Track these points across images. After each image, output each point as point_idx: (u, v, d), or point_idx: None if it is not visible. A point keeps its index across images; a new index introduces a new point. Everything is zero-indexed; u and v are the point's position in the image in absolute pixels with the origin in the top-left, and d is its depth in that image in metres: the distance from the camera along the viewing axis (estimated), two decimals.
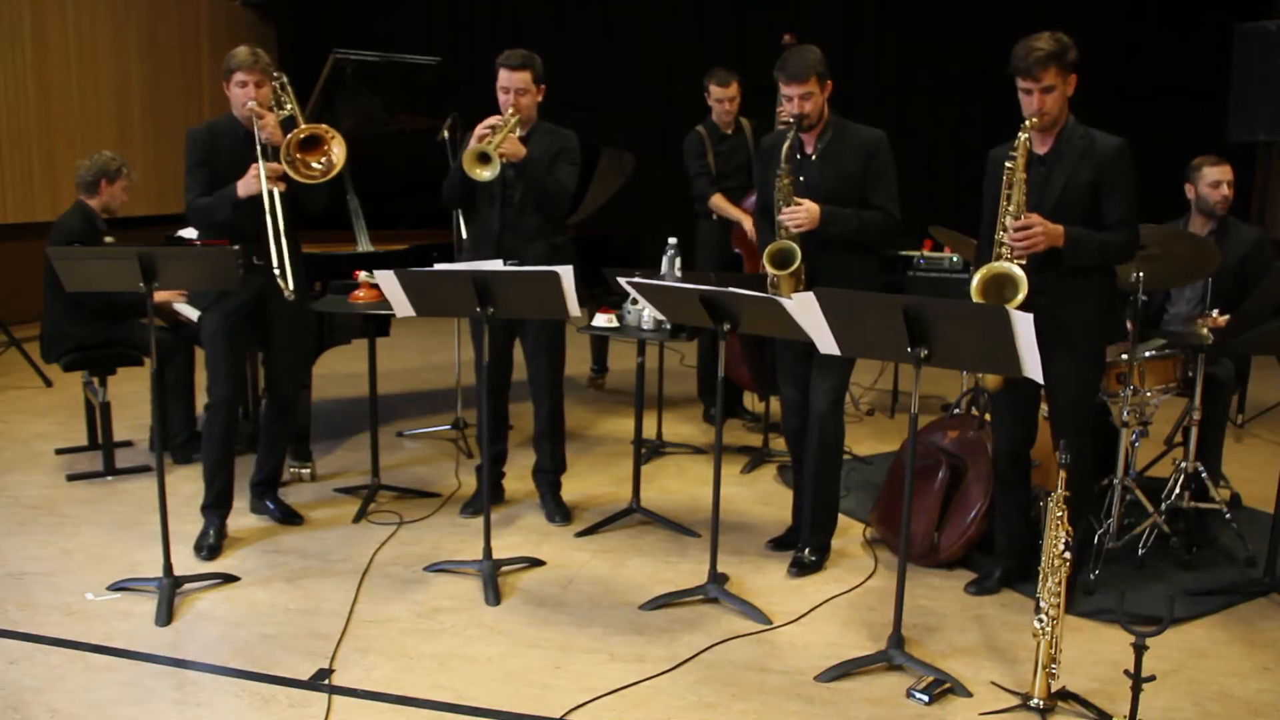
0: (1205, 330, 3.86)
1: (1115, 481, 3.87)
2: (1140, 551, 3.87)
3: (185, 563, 3.80)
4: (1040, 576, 2.93)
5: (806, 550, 3.90)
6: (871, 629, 3.42)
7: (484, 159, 3.82)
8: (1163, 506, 3.94)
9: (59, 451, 5.11)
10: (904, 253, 6.12)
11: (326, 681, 3.05)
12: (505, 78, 3.99)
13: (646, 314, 4.20)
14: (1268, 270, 3.92)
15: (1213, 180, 4.35)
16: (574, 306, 3.48)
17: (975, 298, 3.27)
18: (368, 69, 5.29)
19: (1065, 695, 2.96)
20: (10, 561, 3.85)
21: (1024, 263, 3.26)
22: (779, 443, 4.79)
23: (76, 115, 8.44)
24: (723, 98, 5.47)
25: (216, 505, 4.00)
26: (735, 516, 4.42)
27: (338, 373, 6.45)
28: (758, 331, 3.51)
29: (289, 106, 4.00)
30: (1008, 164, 3.31)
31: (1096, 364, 3.51)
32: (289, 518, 4.25)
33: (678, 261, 4.33)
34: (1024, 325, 2.80)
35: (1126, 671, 2.67)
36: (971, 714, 2.94)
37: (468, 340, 4.52)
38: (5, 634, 3.30)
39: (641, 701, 2.99)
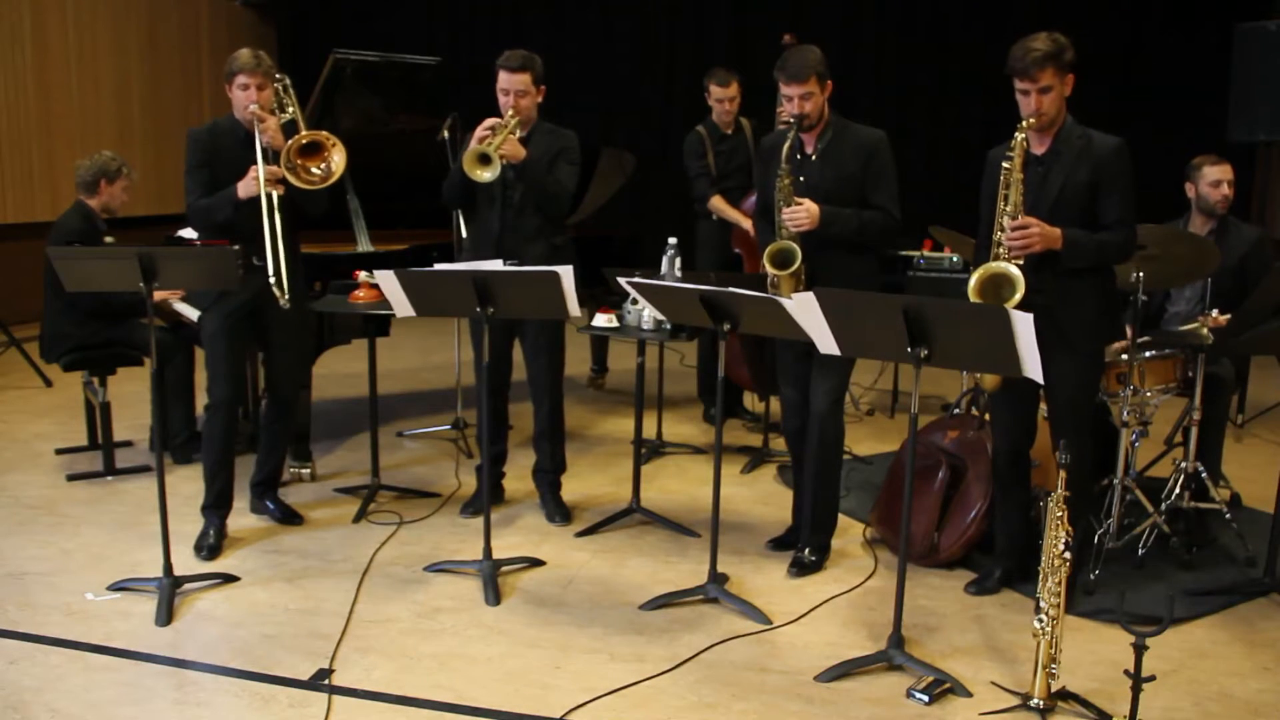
0: (1205, 330, 3.86)
1: (1115, 481, 3.87)
2: (1140, 551, 3.87)
3: (185, 563, 3.80)
4: (1040, 576, 2.93)
5: (806, 550, 3.91)
6: (871, 629, 3.42)
7: (484, 160, 3.82)
8: (1163, 506, 3.94)
9: (59, 451, 5.11)
10: (904, 253, 6.12)
11: (326, 681, 3.05)
12: (505, 79, 3.99)
13: (646, 314, 4.20)
14: (1268, 270, 3.92)
15: (1213, 179, 4.35)
16: (574, 306, 3.48)
17: (973, 298, 3.27)
18: (368, 69, 5.29)
19: (1065, 695, 2.96)
20: (10, 561, 3.85)
21: (1021, 263, 3.26)
22: (779, 443, 4.79)
23: (76, 115, 8.44)
24: (723, 98, 5.47)
25: (216, 505, 4.00)
26: (735, 516, 4.42)
27: (338, 373, 6.45)
28: (758, 331, 3.51)
29: (290, 110, 4.00)
30: (1005, 164, 3.31)
31: (1095, 364, 3.51)
32: (289, 518, 4.25)
33: (678, 261, 4.33)
34: (1024, 325, 2.80)
35: (1126, 671, 2.67)
36: (971, 714, 2.94)
37: (468, 340, 4.52)
38: (5, 634, 3.30)
39: (641, 701, 2.99)
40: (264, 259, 3.77)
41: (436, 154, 4.97)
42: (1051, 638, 2.90)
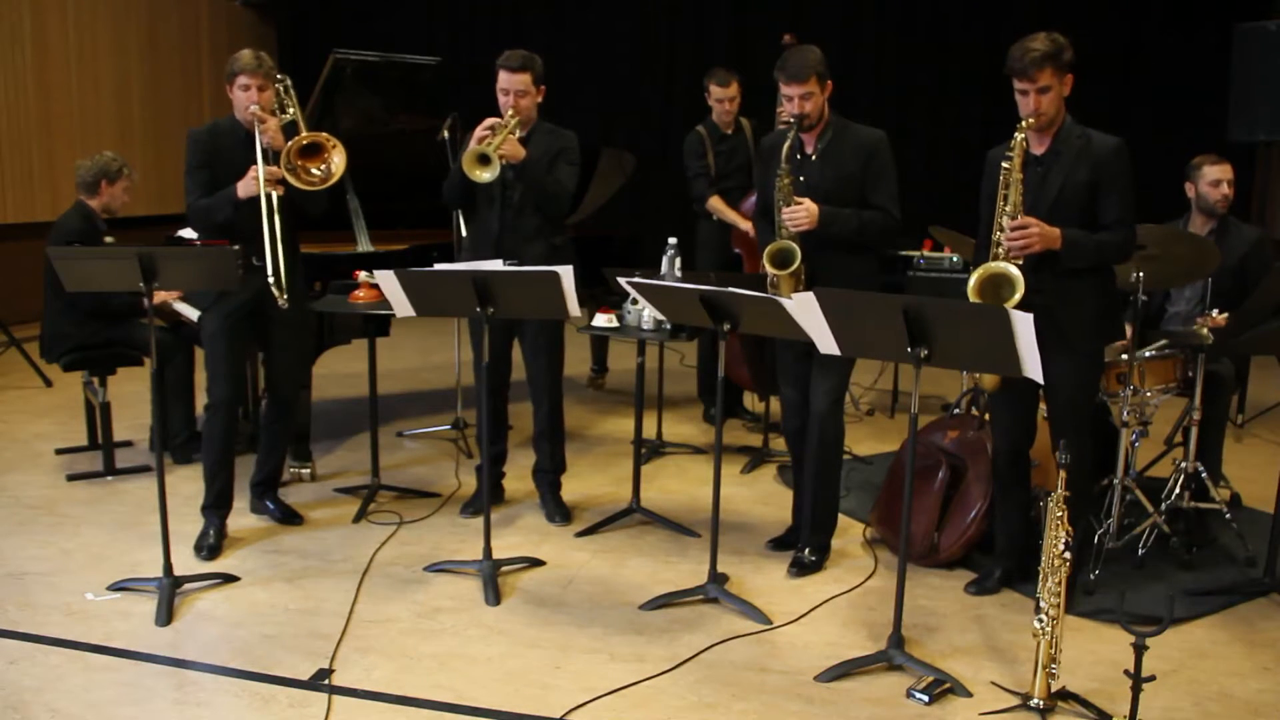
0: (1205, 330, 3.86)
1: (1115, 481, 3.87)
2: (1140, 551, 3.87)
3: (185, 563, 3.80)
4: (1040, 576, 2.93)
5: (806, 550, 3.91)
6: (871, 629, 3.42)
7: (484, 160, 3.82)
8: (1163, 506, 3.94)
9: (59, 451, 5.11)
10: (904, 253, 6.12)
11: (326, 681, 3.05)
12: (505, 79, 3.99)
13: (646, 314, 4.20)
14: (1268, 270, 3.92)
15: (1213, 179, 4.35)
16: (574, 306, 3.48)
17: (972, 298, 3.28)
18: (368, 69, 5.29)
19: (1065, 695, 2.96)
20: (10, 561, 3.85)
21: (1020, 263, 3.26)
22: (779, 443, 4.79)
23: (76, 115, 8.44)
24: (723, 98, 5.47)
25: (216, 505, 4.00)
26: (735, 516, 4.42)
27: (338, 373, 6.45)
28: (758, 331, 3.51)
29: (291, 111, 4.00)
30: (1004, 164, 3.32)
31: (1095, 364, 3.51)
32: (289, 518, 4.25)
33: (678, 261, 4.33)
34: (1024, 325, 2.80)
35: (1126, 671, 2.67)
36: (971, 714, 2.94)
37: (468, 340, 4.52)
38: (5, 634, 3.30)
39: (641, 701, 2.99)
40: (264, 259, 3.77)
41: (436, 154, 4.98)
42: (1051, 638, 2.90)
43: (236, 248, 3.48)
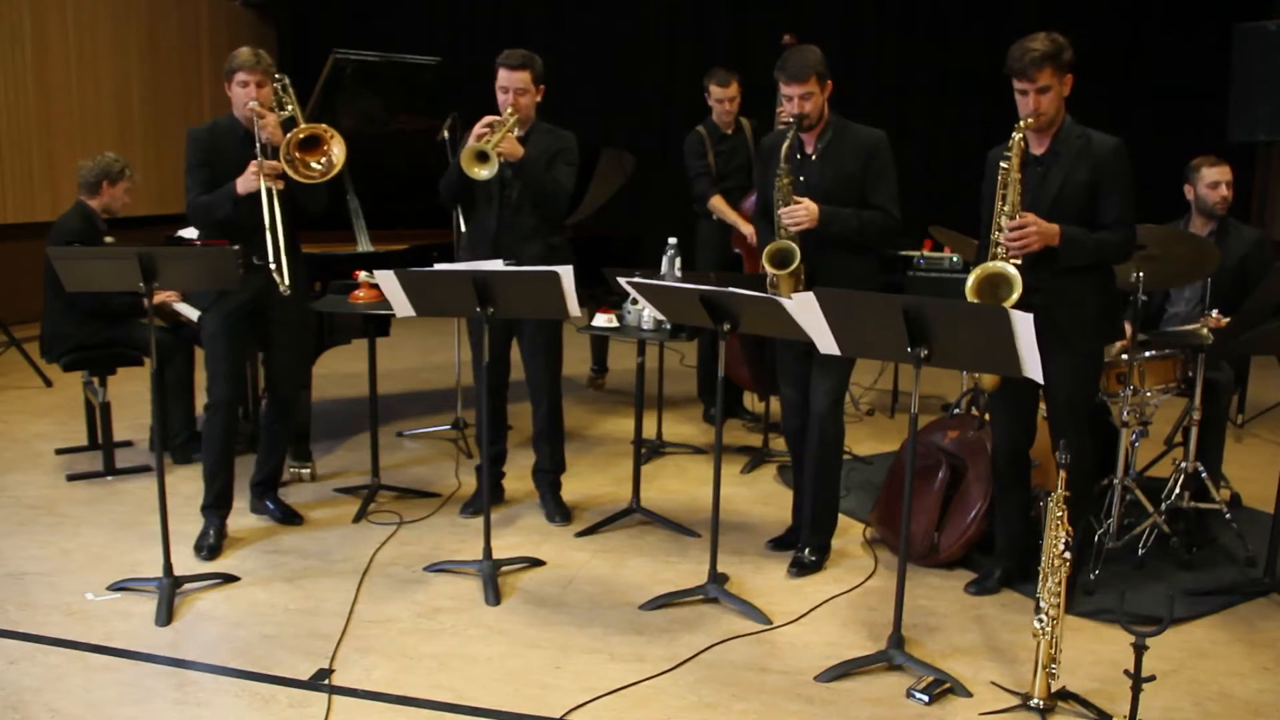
0: (1205, 330, 3.86)
1: (1115, 481, 3.87)
2: (1140, 551, 3.87)
3: (185, 563, 3.80)
4: (1040, 576, 2.93)
5: (806, 550, 3.91)
6: (871, 629, 3.42)
7: (482, 157, 3.82)
8: (1163, 506, 3.94)
9: (59, 451, 5.11)
10: (904, 253, 6.12)
11: (326, 681, 3.05)
12: (504, 77, 3.99)
13: (646, 314, 4.20)
14: (1267, 270, 3.92)
15: (1211, 181, 4.35)
16: (574, 306, 3.48)
17: (970, 297, 3.28)
18: (368, 69, 5.29)
19: (1065, 695, 2.96)
20: (10, 561, 3.85)
21: (1019, 262, 3.26)
22: (779, 443, 4.79)
23: (76, 115, 8.44)
24: (723, 98, 5.47)
25: (216, 505, 4.00)
26: (735, 516, 4.42)
27: (338, 373, 6.45)
28: (758, 331, 3.51)
29: (290, 107, 4.00)
30: (1002, 164, 3.32)
31: (1094, 364, 3.51)
32: (289, 518, 4.25)
33: (678, 261, 4.33)
34: (1024, 325, 2.80)
35: (1126, 671, 2.67)
36: (971, 714, 2.94)
37: (468, 340, 4.52)
38: (5, 634, 3.30)
39: (641, 701, 2.99)
40: (264, 258, 3.77)
41: (436, 154, 4.97)
42: (1051, 638, 2.90)
43: (236, 247, 3.48)
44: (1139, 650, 2.63)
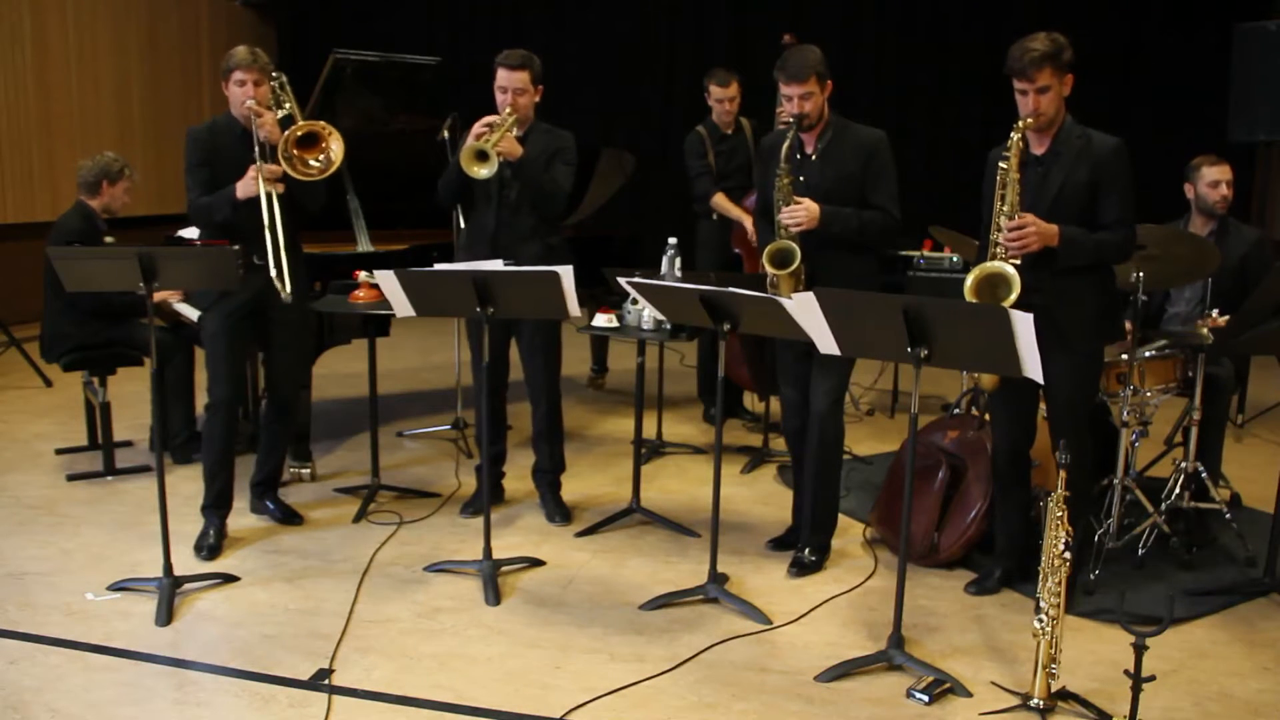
0: (1205, 330, 3.86)
1: (1115, 481, 3.87)
2: (1140, 551, 3.87)
3: (185, 563, 3.80)
4: (1040, 576, 2.93)
5: (806, 550, 3.90)
6: (871, 629, 3.42)
7: (482, 157, 3.82)
8: (1163, 506, 3.94)
9: (59, 451, 5.11)
10: (904, 253, 6.12)
11: (326, 681, 3.05)
12: (503, 77, 4.00)
13: (646, 314, 4.20)
14: (1268, 270, 3.92)
15: (1212, 180, 4.35)
16: (574, 306, 3.48)
17: (969, 297, 3.27)
18: (368, 69, 5.29)
19: (1065, 695, 2.96)
20: (10, 561, 3.85)
21: (1018, 262, 3.26)
22: (779, 443, 4.79)
23: (76, 115, 8.44)
24: (723, 98, 5.47)
25: (216, 505, 4.00)
26: (735, 516, 4.42)
27: (338, 373, 6.45)
28: (758, 331, 3.51)
29: (288, 105, 3.99)
30: (1001, 164, 3.32)
31: (1094, 364, 3.51)
32: (289, 518, 4.25)
33: (678, 261, 4.33)
34: (1024, 325, 2.80)
35: (1126, 671, 2.67)
36: (971, 714, 2.94)
37: (467, 341, 4.52)
38: (5, 634, 3.30)
39: (641, 701, 2.99)
40: (265, 258, 3.77)
41: (436, 154, 4.97)
42: (1051, 638, 2.90)
43: (237, 247, 3.48)
44: (1139, 650, 2.63)
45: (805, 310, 3.11)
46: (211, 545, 3.92)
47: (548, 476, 4.42)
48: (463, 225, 4.72)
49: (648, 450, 5.19)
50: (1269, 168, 8.67)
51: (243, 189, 3.75)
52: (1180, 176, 4.48)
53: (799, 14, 9.18)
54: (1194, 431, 3.97)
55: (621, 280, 3.65)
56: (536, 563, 3.90)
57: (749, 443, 5.43)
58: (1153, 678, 2.70)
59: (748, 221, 5.26)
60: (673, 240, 4.34)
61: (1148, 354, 3.87)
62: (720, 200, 5.45)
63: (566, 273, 3.39)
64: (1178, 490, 3.97)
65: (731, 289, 3.36)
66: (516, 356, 4.34)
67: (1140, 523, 3.93)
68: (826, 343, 3.16)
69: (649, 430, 5.25)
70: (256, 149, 3.74)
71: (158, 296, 4.68)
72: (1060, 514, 2.95)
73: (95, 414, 4.96)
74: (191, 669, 3.13)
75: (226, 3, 10.10)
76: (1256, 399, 5.93)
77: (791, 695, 3.02)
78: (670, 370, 6.62)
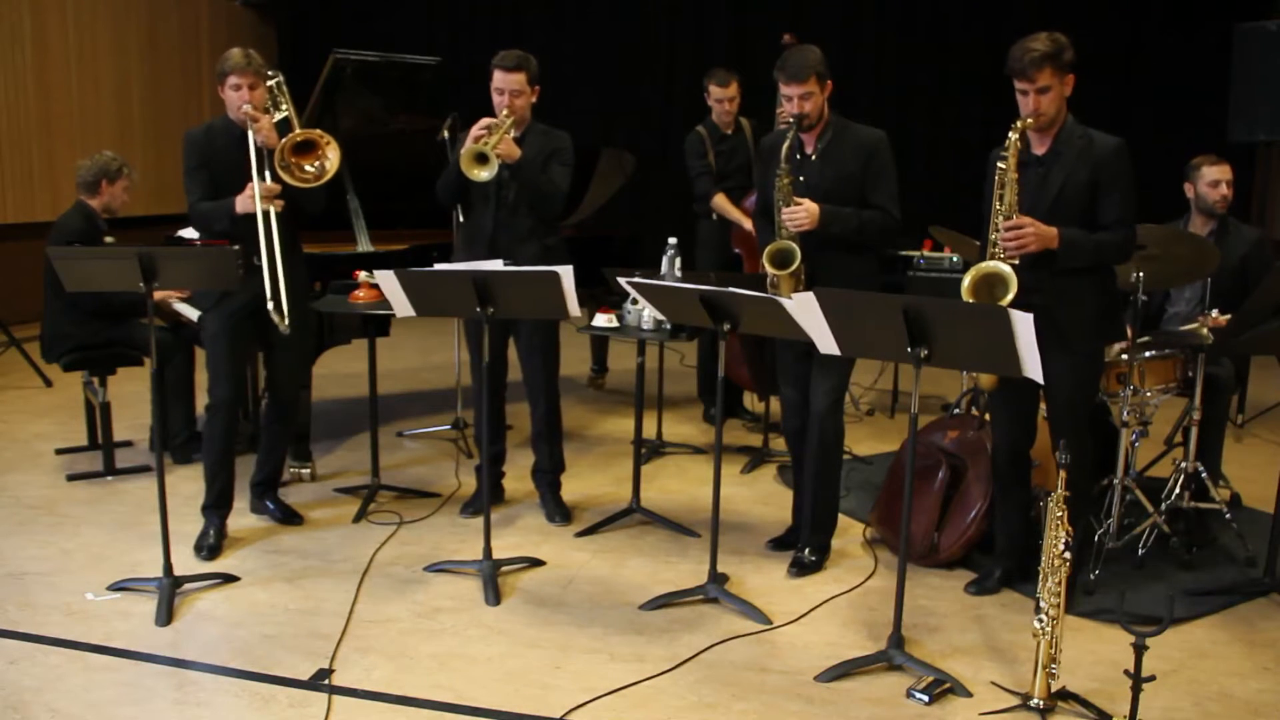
0: (1205, 330, 3.86)
1: (1115, 481, 3.87)
2: (1140, 551, 3.87)
3: (185, 563, 3.80)
4: (1040, 576, 2.93)
5: (806, 550, 3.90)
6: (871, 629, 3.42)
7: (481, 159, 3.82)
8: (1163, 506, 3.94)
9: (59, 451, 5.11)
10: (904, 253, 6.12)
11: (326, 681, 3.05)
12: (500, 79, 3.99)
13: (646, 314, 4.20)
14: (1268, 270, 3.92)
15: (1212, 180, 4.35)
16: (574, 306, 3.48)
17: (966, 297, 3.27)
18: (368, 69, 5.29)
19: (1065, 695, 2.96)
20: (10, 561, 3.85)
21: (1016, 262, 3.26)
22: (779, 443, 4.79)
23: (76, 115, 8.44)
24: (722, 98, 5.47)
25: (217, 505, 4.00)
26: (735, 516, 4.42)
27: (338, 373, 6.45)
28: (758, 331, 3.51)
29: (285, 107, 3.98)
30: (999, 164, 3.32)
31: (1094, 364, 3.50)
32: (289, 518, 4.25)
33: (678, 261, 4.33)
34: (1024, 325, 2.80)
35: (1126, 671, 2.67)
36: (971, 714, 2.94)
37: (466, 341, 4.52)
38: (5, 634, 3.30)
39: (641, 701, 2.99)
40: (264, 260, 3.77)
41: (436, 154, 4.97)
42: (1051, 638, 2.90)
43: (236, 248, 3.48)
44: (1139, 650, 2.63)
45: (805, 310, 3.11)
46: (211, 545, 3.92)
47: (547, 476, 4.42)
48: (459, 226, 4.73)
49: (648, 450, 5.19)
50: (1269, 168, 8.67)
51: (241, 205, 3.76)
52: (1180, 176, 4.49)
53: (799, 14, 9.17)
54: (1194, 431, 3.97)
55: (621, 280, 3.65)
56: (536, 563, 3.90)
57: (749, 443, 5.43)
58: (1153, 678, 2.70)
59: (747, 223, 5.26)
60: (673, 240, 4.35)
61: (1148, 354, 3.87)
62: (720, 201, 5.45)
63: (566, 273, 3.39)
64: (1178, 490, 3.97)
65: (731, 289, 3.36)
66: (514, 356, 4.34)
67: (1140, 523, 3.93)
68: (826, 343, 3.16)
69: (649, 430, 5.25)
70: (253, 154, 3.74)
71: (160, 295, 4.70)
72: (1060, 514, 2.95)
73: (95, 414, 4.96)
74: (191, 669, 3.13)
75: (226, 3, 10.10)
76: (1256, 399, 5.93)
77: (791, 695, 3.02)
78: (670, 370, 6.62)
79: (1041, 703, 2.92)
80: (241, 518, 4.22)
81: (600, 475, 4.95)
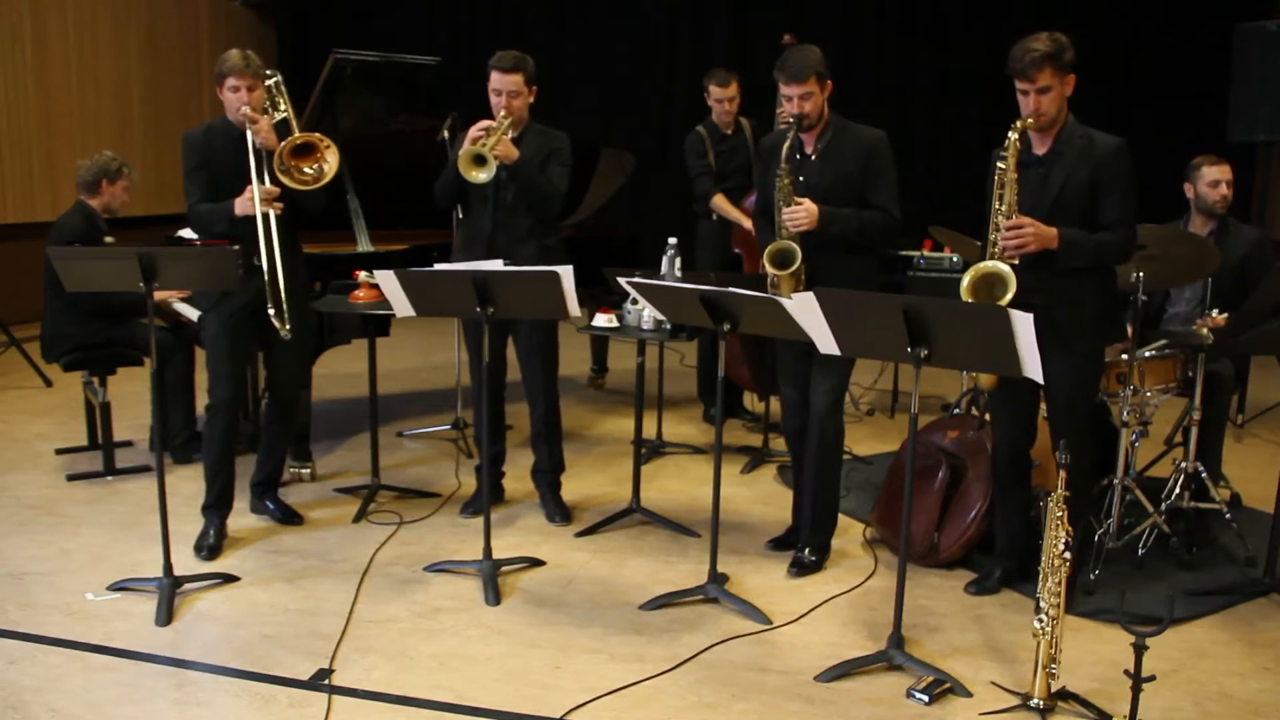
0: (1205, 330, 3.86)
1: (1115, 481, 3.87)
2: (1140, 551, 3.87)
3: (185, 563, 3.80)
4: (1040, 576, 2.93)
5: (806, 550, 3.90)
6: (871, 629, 3.42)
7: (479, 161, 3.82)
8: (1163, 506, 3.94)
9: (59, 451, 5.11)
10: (904, 253, 6.12)
11: (326, 681, 3.05)
12: (497, 80, 3.99)
13: (646, 314, 4.20)
14: (1268, 270, 3.92)
15: (1211, 180, 4.35)
16: (574, 306, 3.48)
17: (965, 297, 3.27)
18: (368, 69, 5.29)
19: (1065, 695, 2.96)
20: (10, 561, 3.85)
21: (1016, 262, 3.26)
22: (779, 443, 4.79)
23: (76, 115, 8.44)
24: (722, 98, 5.47)
25: (217, 505, 4.00)
26: (735, 516, 4.42)
27: (338, 373, 6.45)
28: (758, 331, 3.51)
29: (283, 107, 3.98)
30: (999, 164, 3.32)
31: (1094, 364, 3.50)
32: (289, 518, 4.25)
33: (678, 261, 4.33)
34: (1024, 325, 2.80)
35: (1126, 671, 2.67)
36: (971, 714, 2.94)
37: (465, 342, 4.52)
38: (5, 634, 3.30)
39: (641, 701, 2.99)
40: (264, 259, 3.77)
41: (436, 154, 4.97)
42: (1051, 638, 2.90)
43: (236, 248, 3.48)
44: (1139, 650, 2.63)
45: (805, 310, 3.11)
46: (211, 545, 3.92)
47: (547, 476, 4.42)
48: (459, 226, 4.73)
49: (648, 450, 5.19)
50: (1269, 168, 8.68)
51: (240, 208, 3.76)
52: (1180, 176, 4.48)
53: (799, 14, 9.18)
54: (1194, 431, 3.97)
55: (621, 280, 3.65)
56: (536, 563, 3.90)
57: (749, 443, 5.43)
58: (1153, 678, 2.70)
59: (747, 223, 5.26)
60: (673, 240, 4.34)
61: (1148, 354, 3.87)
62: (720, 202, 5.45)
63: (566, 273, 3.39)
64: (1178, 490, 3.97)
65: (731, 289, 3.36)
66: (512, 356, 4.34)
67: (1140, 523, 3.93)
68: (826, 343, 3.16)
69: (649, 430, 5.25)
70: (252, 156, 3.73)
71: (161, 295, 4.70)
72: (1060, 514, 2.95)
73: (95, 414, 4.96)
74: (191, 669, 3.13)
75: (226, 3, 10.10)
76: (1256, 399, 5.93)
77: (791, 695, 3.02)
78: (670, 370, 6.62)
79: (1041, 703, 2.92)
80: (241, 518, 4.22)
81: (600, 475, 4.95)
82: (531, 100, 4.07)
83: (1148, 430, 3.93)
